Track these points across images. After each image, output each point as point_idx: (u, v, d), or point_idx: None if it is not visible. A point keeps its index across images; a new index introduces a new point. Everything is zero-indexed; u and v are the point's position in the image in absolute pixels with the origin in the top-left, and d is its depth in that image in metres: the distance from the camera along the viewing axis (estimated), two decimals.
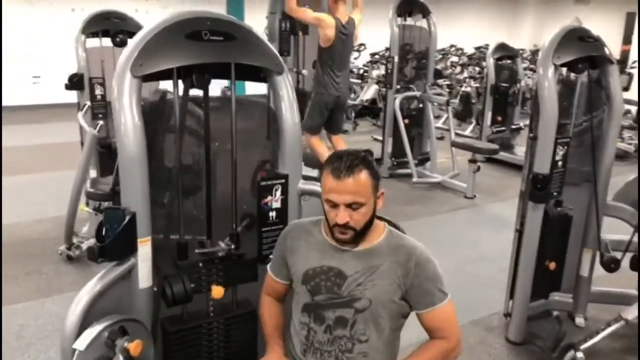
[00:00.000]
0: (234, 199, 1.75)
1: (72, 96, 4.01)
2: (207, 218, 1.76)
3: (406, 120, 5.62)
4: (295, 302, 1.59)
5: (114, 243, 1.49)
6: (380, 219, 1.69)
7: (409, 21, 5.58)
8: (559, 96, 2.59)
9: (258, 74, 1.76)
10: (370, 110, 8.21)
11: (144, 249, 1.58)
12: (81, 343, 1.40)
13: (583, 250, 2.95)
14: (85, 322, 1.45)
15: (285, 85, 1.74)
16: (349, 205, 1.44)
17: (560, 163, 2.61)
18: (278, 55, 1.74)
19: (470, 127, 7.77)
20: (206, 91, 1.69)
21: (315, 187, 1.85)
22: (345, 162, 1.44)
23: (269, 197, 1.77)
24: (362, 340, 1.49)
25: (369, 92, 8.16)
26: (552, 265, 2.85)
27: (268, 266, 1.70)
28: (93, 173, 3.77)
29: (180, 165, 1.66)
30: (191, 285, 1.71)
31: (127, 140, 1.51)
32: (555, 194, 2.66)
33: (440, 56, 10.64)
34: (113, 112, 1.53)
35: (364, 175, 1.45)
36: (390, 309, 1.50)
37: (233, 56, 1.63)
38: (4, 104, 8.95)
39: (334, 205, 1.45)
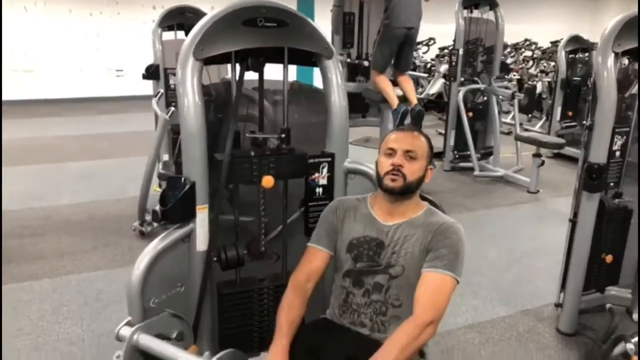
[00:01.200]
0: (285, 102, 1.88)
1: (150, 88, 4.35)
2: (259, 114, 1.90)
3: (470, 114, 5.57)
4: (337, 269, 1.71)
5: (175, 208, 1.68)
6: (425, 199, 1.79)
7: (476, 14, 5.52)
8: (621, 86, 2.55)
9: (309, 58, 1.88)
10: (436, 104, 8.16)
11: (202, 215, 1.75)
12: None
13: None
14: (147, 277, 1.64)
15: (334, 69, 1.86)
16: (406, 152, 1.62)
17: (618, 153, 2.56)
18: (327, 40, 1.86)
19: (540, 123, 7.55)
20: (261, 73, 1.84)
21: (361, 166, 1.97)
22: (408, 128, 1.62)
23: (316, 174, 1.90)
24: (395, 305, 1.59)
25: (435, 86, 8.11)
26: (609, 258, 2.80)
27: (309, 242, 1.77)
28: (165, 157, 4.07)
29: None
30: (244, 252, 1.88)
31: (188, 116, 1.68)
32: (611, 184, 2.62)
33: (513, 50, 10.38)
34: (177, 92, 1.71)
35: (422, 138, 1.71)
36: (419, 273, 1.58)
37: (285, 41, 1.77)
38: (94, 95, 9.76)
39: (391, 154, 1.63)
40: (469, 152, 5.49)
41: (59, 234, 3.92)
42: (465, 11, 5.43)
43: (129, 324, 1.61)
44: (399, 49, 4.48)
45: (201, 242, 1.78)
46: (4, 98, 8.72)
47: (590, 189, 2.56)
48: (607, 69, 2.46)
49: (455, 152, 5.70)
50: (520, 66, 9.64)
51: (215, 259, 1.83)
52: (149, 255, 1.65)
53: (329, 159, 1.90)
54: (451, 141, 5.67)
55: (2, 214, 4.07)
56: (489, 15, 5.59)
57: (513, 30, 10.14)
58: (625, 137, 2.55)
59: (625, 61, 2.73)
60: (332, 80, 1.86)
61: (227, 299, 1.94)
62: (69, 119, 8.61)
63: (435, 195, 4.96)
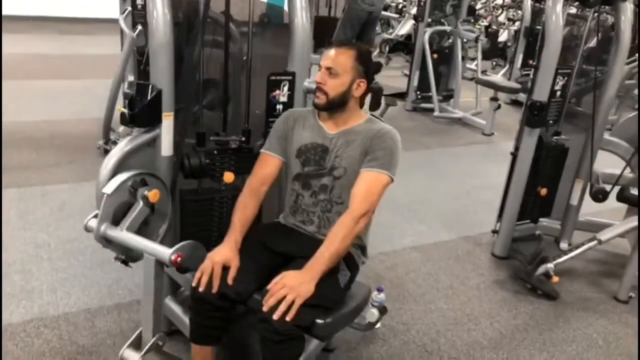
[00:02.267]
0: (247, 98, 2.01)
1: (117, 12, 4.26)
2: (223, 115, 2.04)
3: (435, 56, 5.71)
4: (289, 174, 1.88)
5: (142, 112, 1.79)
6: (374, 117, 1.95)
7: None
8: (569, 32, 2.72)
9: None
10: (405, 45, 8.22)
11: (167, 122, 1.86)
12: (109, 188, 1.72)
13: (575, 181, 3.15)
14: (115, 175, 1.76)
15: None
16: (328, 69, 1.73)
17: (559, 93, 2.77)
18: None
19: (503, 71, 7.75)
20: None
21: None
22: (341, 42, 1.75)
23: (277, 91, 2.02)
24: (338, 203, 1.77)
25: (405, 27, 8.16)
26: (544, 191, 3.07)
27: (262, 149, 1.89)
28: (131, 77, 4.08)
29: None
30: (206, 161, 2.02)
31: (157, 27, 1.76)
32: (551, 122, 2.84)
33: None
34: (146, 4, 1.78)
35: (346, 52, 1.74)
36: (358, 174, 1.75)
37: None
38: (59, 14, 9.38)
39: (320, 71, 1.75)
40: (431, 94, 5.67)
41: (21, 149, 3.95)
42: None
43: (96, 216, 1.75)
44: (361, 29, 4.67)
45: (166, 147, 1.90)
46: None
47: (531, 124, 2.77)
48: (555, 12, 2.62)
49: (418, 92, 5.87)
50: (490, 13, 9.73)
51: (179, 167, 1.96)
52: (117, 155, 1.77)
53: (290, 77, 2.02)
54: (415, 82, 5.82)
55: None
56: None
57: None
58: (566, 78, 2.75)
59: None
60: (296, 0, 1.96)
61: (189, 205, 2.10)
62: (34, 37, 8.35)
63: (401, 134, 5.17)
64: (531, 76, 2.86)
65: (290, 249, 1.73)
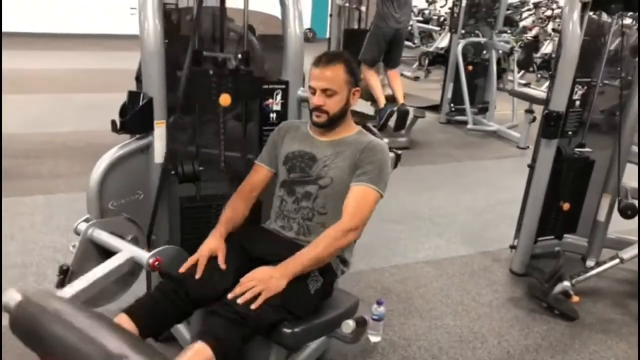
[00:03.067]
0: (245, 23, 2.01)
1: None
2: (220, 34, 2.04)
3: (470, 68, 5.60)
4: (277, 182, 1.88)
5: (133, 119, 1.84)
6: (365, 127, 1.93)
7: None
8: (591, 39, 2.60)
9: None
10: (445, 58, 8.08)
11: (160, 129, 1.91)
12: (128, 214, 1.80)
13: (602, 195, 2.99)
14: (105, 179, 1.82)
15: None
16: (324, 91, 1.72)
17: (577, 103, 2.65)
18: None
19: (547, 83, 7.50)
20: None
21: None
22: (327, 57, 1.76)
23: (270, 100, 2.04)
24: (321, 213, 1.76)
25: (445, 40, 8.03)
26: (566, 206, 2.92)
27: (255, 161, 1.95)
28: None
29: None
30: (200, 168, 2.04)
31: (148, 38, 1.81)
32: (570, 133, 2.71)
33: (533, 8, 10.11)
34: (138, 16, 1.84)
35: (339, 68, 1.74)
36: (347, 187, 1.74)
37: None
38: (108, 32, 9.88)
39: (313, 92, 1.75)
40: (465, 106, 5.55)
41: (57, 158, 4.14)
42: None
43: (86, 220, 1.80)
44: (388, 47, 4.68)
45: (158, 154, 1.94)
46: (22, 30, 8.95)
47: (547, 135, 2.66)
48: (572, 19, 2.51)
49: (452, 105, 5.76)
50: (537, 24, 9.46)
51: (172, 172, 2.00)
52: (107, 160, 1.83)
53: (283, 86, 2.03)
54: (448, 94, 5.73)
55: (10, 137, 4.31)
56: None
57: None
58: (586, 87, 2.62)
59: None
60: (289, 7, 1.97)
61: (187, 212, 2.13)
62: (82, 54, 8.78)
63: (425, 144, 5.10)
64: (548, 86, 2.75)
65: (266, 251, 1.72)
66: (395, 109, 4.55)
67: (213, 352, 1.36)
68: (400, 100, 4.65)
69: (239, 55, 1.99)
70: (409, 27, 4.99)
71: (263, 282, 1.51)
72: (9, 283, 2.56)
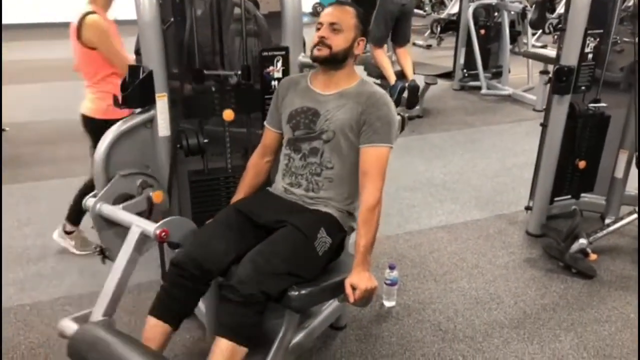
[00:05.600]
0: (244, 38, 2.02)
1: None
2: (220, 52, 2.05)
3: (482, 31, 5.48)
4: (283, 141, 1.86)
5: (133, 93, 1.83)
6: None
7: None
8: None
9: None
10: (456, 24, 7.92)
11: (162, 102, 1.91)
12: (124, 171, 1.81)
13: (619, 151, 2.92)
14: (110, 154, 1.83)
15: None
16: (331, 25, 1.70)
17: (590, 56, 2.57)
18: None
19: None
20: None
21: None
22: (339, 1, 1.78)
23: (271, 67, 2.01)
24: (328, 167, 1.74)
25: (456, 6, 7.86)
26: (582, 164, 2.87)
27: (265, 122, 1.94)
28: None
29: None
30: (205, 141, 2.04)
31: (143, 8, 1.80)
32: (583, 87, 2.64)
33: None
34: None
35: (349, 10, 1.74)
36: (349, 140, 1.71)
37: None
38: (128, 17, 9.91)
39: (320, 27, 1.73)
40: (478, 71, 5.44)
41: (73, 143, 4.16)
42: None
43: (94, 195, 1.82)
44: (395, 24, 4.55)
45: (162, 128, 1.94)
46: (45, 20, 9.03)
47: (558, 91, 2.59)
48: None
49: (465, 70, 5.65)
50: None
51: (178, 146, 2.00)
52: (111, 135, 1.84)
53: (283, 53, 2.00)
54: (461, 59, 5.62)
55: (24, 126, 4.38)
56: None
57: None
58: (598, 39, 2.54)
59: None
60: None
61: (196, 185, 2.14)
62: None
63: (438, 112, 5.03)
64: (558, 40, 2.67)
65: (271, 218, 1.71)
66: (406, 84, 4.48)
67: (236, 343, 1.49)
68: (410, 77, 4.57)
69: (239, 72, 2.00)
70: None
71: (367, 288, 1.55)
72: (29, 263, 2.62)
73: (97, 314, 1.65)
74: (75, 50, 2.47)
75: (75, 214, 2.71)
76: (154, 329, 1.60)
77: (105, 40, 2.39)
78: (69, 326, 1.60)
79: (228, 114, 1.98)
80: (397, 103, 4.55)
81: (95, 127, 2.42)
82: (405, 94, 4.49)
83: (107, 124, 1.93)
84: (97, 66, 2.45)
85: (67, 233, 2.75)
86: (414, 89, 4.49)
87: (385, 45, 4.70)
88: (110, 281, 1.68)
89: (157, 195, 1.93)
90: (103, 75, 2.47)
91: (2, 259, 2.64)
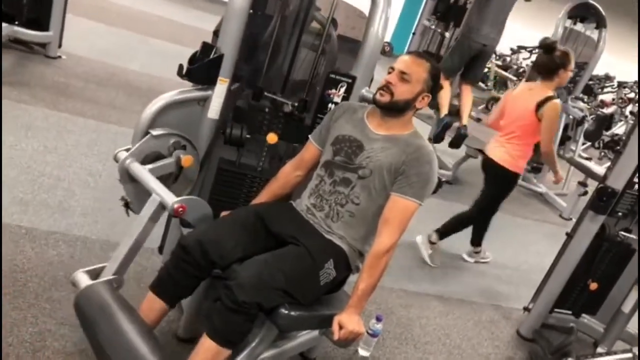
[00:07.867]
0: (313, 72, 2.05)
1: None
2: (285, 78, 2.09)
3: None
4: (320, 160, 1.87)
5: (199, 69, 1.87)
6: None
7: (579, 27, 5.33)
8: None
9: None
10: None
11: (221, 86, 1.93)
12: (157, 131, 1.83)
13: (633, 287, 2.87)
14: (157, 117, 1.85)
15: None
16: (401, 73, 1.72)
17: (637, 186, 2.55)
18: None
19: (607, 164, 7.27)
20: None
21: None
22: (419, 53, 1.84)
23: (333, 90, 2.04)
24: (354, 202, 1.74)
25: None
26: (594, 286, 2.82)
27: (310, 135, 1.95)
28: None
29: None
30: (247, 135, 2.06)
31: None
32: (620, 214, 2.61)
33: (617, 87, 9.83)
34: None
35: (423, 64, 1.76)
36: (383, 183, 1.71)
37: None
38: None
39: (390, 72, 1.75)
40: None
41: (118, 91, 4.26)
42: (569, 21, 5.25)
43: (127, 150, 1.84)
44: (470, 61, 4.46)
45: (214, 110, 1.97)
46: None
47: (596, 209, 2.57)
48: None
49: None
50: (616, 103, 9.18)
51: (221, 132, 2.02)
52: (164, 100, 1.87)
53: (350, 81, 2.03)
54: None
55: (79, 59, 4.48)
56: (593, 33, 5.37)
57: (627, 69, 9.61)
58: None
59: None
60: (378, 6, 1.96)
61: (223, 174, 2.15)
62: (176, 6, 8.93)
63: (468, 185, 5.00)
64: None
65: (285, 231, 1.71)
66: (454, 123, 4.40)
67: (221, 345, 1.53)
68: (464, 119, 4.49)
69: (296, 103, 2.03)
70: (494, 50, 4.69)
71: (354, 331, 1.57)
72: (40, 190, 2.65)
73: (109, 271, 1.72)
74: (514, 112, 3.10)
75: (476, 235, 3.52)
76: (152, 304, 1.68)
77: (553, 124, 3.04)
78: (82, 279, 1.71)
79: (272, 137, 2.01)
80: (437, 137, 4.49)
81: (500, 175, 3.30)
82: (452, 136, 4.42)
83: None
84: (528, 133, 3.05)
85: (432, 243, 3.32)
86: (459, 136, 4.43)
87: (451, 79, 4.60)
88: (125, 244, 1.73)
89: (187, 160, 1.92)
90: (526, 140, 3.08)
91: (18, 176, 2.68)
